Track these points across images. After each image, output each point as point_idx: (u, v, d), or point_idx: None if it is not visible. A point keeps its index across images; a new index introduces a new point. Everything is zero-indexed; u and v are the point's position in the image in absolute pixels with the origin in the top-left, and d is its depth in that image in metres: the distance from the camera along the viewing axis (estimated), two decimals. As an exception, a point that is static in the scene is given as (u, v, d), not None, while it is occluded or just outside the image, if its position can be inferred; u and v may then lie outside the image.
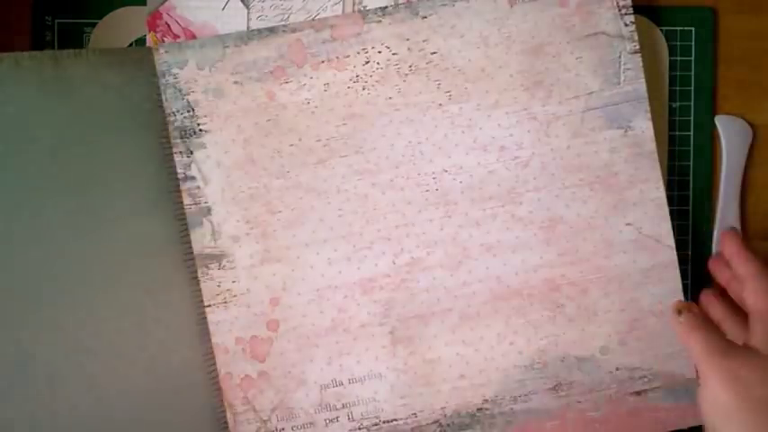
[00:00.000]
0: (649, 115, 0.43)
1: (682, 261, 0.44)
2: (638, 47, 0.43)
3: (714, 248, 0.46)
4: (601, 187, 0.43)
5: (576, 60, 0.43)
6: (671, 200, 0.45)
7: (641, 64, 0.43)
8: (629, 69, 0.43)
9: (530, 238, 0.43)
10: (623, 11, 0.43)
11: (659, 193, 0.43)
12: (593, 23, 0.43)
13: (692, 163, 0.47)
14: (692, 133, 0.47)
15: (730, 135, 0.47)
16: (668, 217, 0.43)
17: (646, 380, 0.43)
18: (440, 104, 0.43)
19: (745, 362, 0.36)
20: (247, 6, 0.43)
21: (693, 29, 0.47)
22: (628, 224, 0.43)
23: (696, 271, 0.46)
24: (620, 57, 0.43)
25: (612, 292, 0.43)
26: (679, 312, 0.40)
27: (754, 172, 0.47)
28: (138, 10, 0.44)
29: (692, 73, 0.47)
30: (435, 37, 0.43)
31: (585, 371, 0.43)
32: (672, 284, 0.43)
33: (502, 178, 0.43)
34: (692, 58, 0.47)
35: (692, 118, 0.47)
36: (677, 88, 0.47)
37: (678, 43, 0.46)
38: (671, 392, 0.43)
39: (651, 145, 0.43)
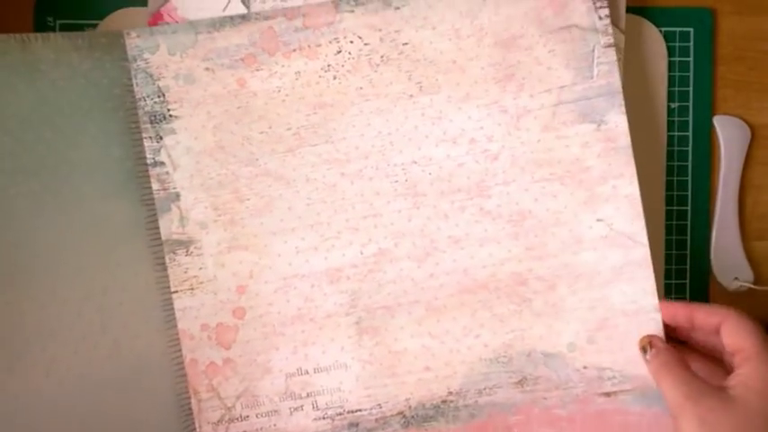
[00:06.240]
0: (623, 109, 0.42)
1: (679, 260, 0.45)
2: (611, 41, 0.42)
3: (712, 250, 0.47)
4: (572, 182, 0.42)
5: (549, 53, 0.42)
6: (670, 200, 0.46)
7: (616, 58, 0.42)
8: (602, 63, 0.42)
9: (498, 231, 0.43)
10: (598, 4, 0.42)
11: (633, 189, 0.42)
12: (566, 16, 0.42)
13: (690, 163, 0.47)
14: (690, 134, 0.47)
15: (728, 135, 0.47)
16: (642, 214, 0.42)
17: (615, 381, 0.42)
18: (410, 95, 0.43)
19: (718, 408, 0.35)
20: (248, 6, 0.43)
21: (692, 29, 0.47)
22: (599, 220, 0.42)
23: (695, 273, 0.47)
24: (593, 50, 0.42)
25: (581, 289, 0.42)
26: (644, 350, 0.40)
27: (752, 172, 0.47)
28: (139, 11, 0.45)
29: (691, 73, 0.47)
30: (407, 28, 0.43)
31: (552, 367, 0.42)
32: (644, 284, 0.42)
33: (471, 171, 0.43)
34: (691, 58, 0.47)
35: (690, 118, 0.47)
36: (676, 89, 0.47)
37: (677, 44, 0.47)
38: (642, 397, 0.42)
39: (625, 140, 0.42)
